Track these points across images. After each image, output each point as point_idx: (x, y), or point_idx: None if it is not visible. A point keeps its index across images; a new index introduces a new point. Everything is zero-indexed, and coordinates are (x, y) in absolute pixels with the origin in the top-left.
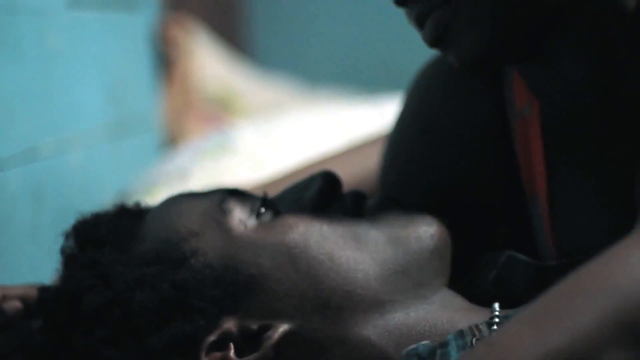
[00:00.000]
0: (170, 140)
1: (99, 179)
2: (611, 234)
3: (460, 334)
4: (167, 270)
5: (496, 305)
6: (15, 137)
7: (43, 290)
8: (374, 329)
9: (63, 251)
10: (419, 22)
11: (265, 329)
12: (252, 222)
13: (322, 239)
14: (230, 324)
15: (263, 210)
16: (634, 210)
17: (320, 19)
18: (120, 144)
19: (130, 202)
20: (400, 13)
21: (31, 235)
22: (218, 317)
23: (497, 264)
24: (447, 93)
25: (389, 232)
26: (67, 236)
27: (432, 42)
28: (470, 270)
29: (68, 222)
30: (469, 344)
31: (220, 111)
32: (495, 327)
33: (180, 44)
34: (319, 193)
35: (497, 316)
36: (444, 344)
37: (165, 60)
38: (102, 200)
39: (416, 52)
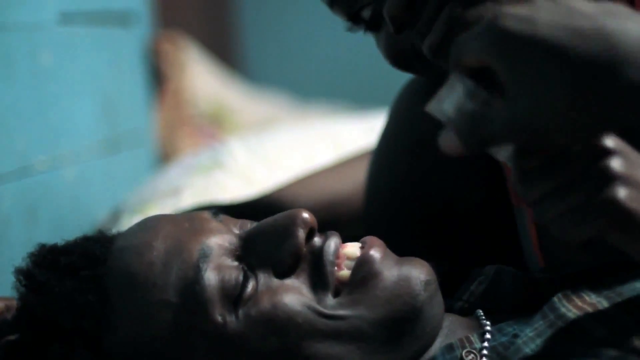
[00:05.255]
0: (164, 156)
1: (93, 194)
2: (598, 244)
3: (449, 347)
4: None
5: (480, 312)
6: (8, 153)
7: None
8: None
9: (21, 330)
10: (423, 37)
11: None
12: (230, 312)
13: (301, 341)
14: None
15: (240, 290)
16: None
17: (311, 36)
18: (113, 160)
19: (80, 248)
20: None
21: (25, 250)
22: None
23: (486, 278)
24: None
25: (373, 318)
26: (19, 308)
27: (435, 50)
28: (459, 285)
29: (62, 238)
30: (458, 356)
31: (213, 127)
32: (486, 343)
33: (172, 60)
34: (294, 258)
35: (489, 331)
36: None
37: (158, 77)
38: (95, 215)
39: None
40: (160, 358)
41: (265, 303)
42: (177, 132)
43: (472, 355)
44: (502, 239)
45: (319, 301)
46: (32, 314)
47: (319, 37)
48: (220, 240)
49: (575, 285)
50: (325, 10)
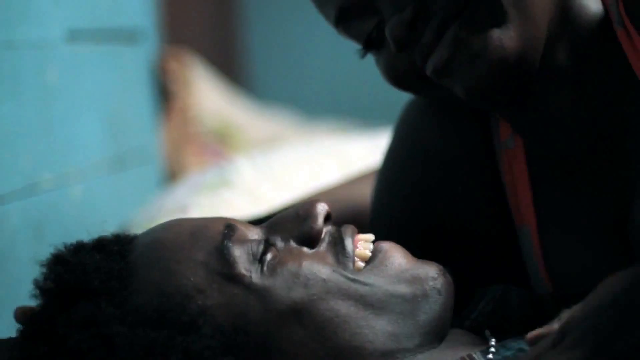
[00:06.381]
0: (170, 174)
1: (99, 212)
2: (603, 261)
3: None
4: (177, 336)
5: (488, 333)
6: (15, 171)
7: (30, 346)
8: None
9: (47, 297)
10: (424, 57)
11: None
12: (256, 269)
13: (325, 295)
14: None
15: (263, 252)
16: (624, 238)
17: (317, 53)
18: (120, 177)
19: (108, 236)
20: None
21: (32, 269)
22: None
23: (493, 298)
24: (435, 124)
25: (393, 290)
26: (46, 279)
27: (440, 71)
28: (466, 305)
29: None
30: None
31: (219, 144)
32: (490, 355)
33: (179, 77)
34: (317, 231)
35: (493, 345)
36: None
37: (165, 94)
38: (102, 233)
39: None
40: (182, 313)
41: (290, 262)
42: (184, 149)
43: None
44: (506, 258)
45: (344, 268)
46: (59, 278)
47: (325, 54)
48: (243, 226)
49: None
50: (331, 28)
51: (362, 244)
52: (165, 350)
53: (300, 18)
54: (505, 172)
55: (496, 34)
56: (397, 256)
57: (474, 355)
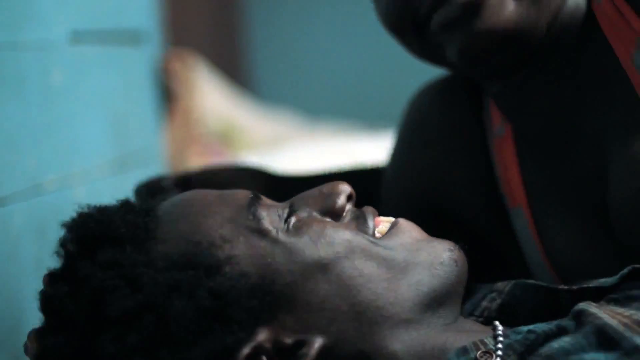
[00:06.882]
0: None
1: None
2: (590, 240)
3: (464, 350)
4: (203, 277)
5: (497, 323)
6: (18, 173)
7: (51, 288)
8: (400, 344)
9: (67, 249)
10: (433, 6)
11: (301, 344)
12: (282, 228)
13: (350, 254)
14: (264, 336)
15: (288, 215)
16: (606, 218)
17: (320, 54)
18: (123, 179)
19: (133, 200)
20: (400, 48)
21: (35, 270)
22: (253, 328)
23: (500, 293)
24: (436, 111)
25: (412, 257)
26: (70, 233)
27: (444, 25)
28: (467, 299)
29: None
30: (473, 358)
31: (222, 145)
32: (501, 338)
33: (182, 78)
34: (340, 206)
35: (502, 334)
36: None
37: (168, 95)
38: None
39: (416, 87)
40: (209, 258)
41: (314, 225)
42: (187, 150)
43: (486, 355)
44: (503, 245)
45: (365, 233)
46: (84, 227)
47: (328, 55)
48: (268, 200)
49: (597, 298)
50: (335, 29)
51: (384, 224)
52: (190, 288)
53: (303, 19)
54: (497, 158)
55: (511, 5)
56: (412, 229)
57: (486, 340)
